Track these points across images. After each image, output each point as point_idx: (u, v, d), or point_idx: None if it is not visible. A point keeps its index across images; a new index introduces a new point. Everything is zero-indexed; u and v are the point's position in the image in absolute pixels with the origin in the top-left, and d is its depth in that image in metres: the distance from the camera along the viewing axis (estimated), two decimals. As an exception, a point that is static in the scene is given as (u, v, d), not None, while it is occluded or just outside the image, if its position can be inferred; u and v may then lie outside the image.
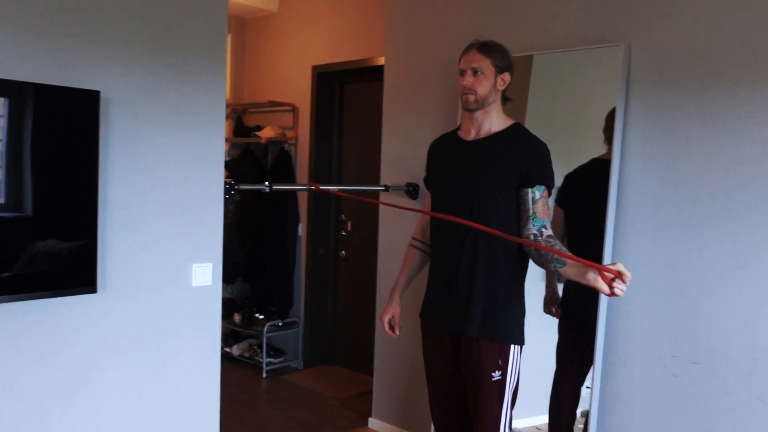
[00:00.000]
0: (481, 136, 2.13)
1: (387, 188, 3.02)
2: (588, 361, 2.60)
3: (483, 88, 2.07)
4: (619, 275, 1.78)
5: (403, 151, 3.19)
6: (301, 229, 4.38)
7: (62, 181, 1.85)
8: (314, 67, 4.26)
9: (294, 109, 4.34)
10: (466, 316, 2.04)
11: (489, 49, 2.08)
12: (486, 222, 2.01)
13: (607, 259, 2.41)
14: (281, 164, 4.35)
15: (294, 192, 4.29)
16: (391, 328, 2.33)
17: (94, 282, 1.92)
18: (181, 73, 2.17)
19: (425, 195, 2.40)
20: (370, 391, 3.91)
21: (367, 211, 4.19)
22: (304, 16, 4.34)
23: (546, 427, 2.66)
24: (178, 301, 2.22)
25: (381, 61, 3.86)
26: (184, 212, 2.21)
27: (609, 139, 2.51)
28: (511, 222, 2.04)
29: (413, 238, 2.39)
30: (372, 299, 4.16)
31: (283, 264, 4.35)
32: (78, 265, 1.88)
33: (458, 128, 2.25)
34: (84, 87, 1.91)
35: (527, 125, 2.21)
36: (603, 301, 2.41)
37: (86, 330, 1.99)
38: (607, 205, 2.39)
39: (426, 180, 2.35)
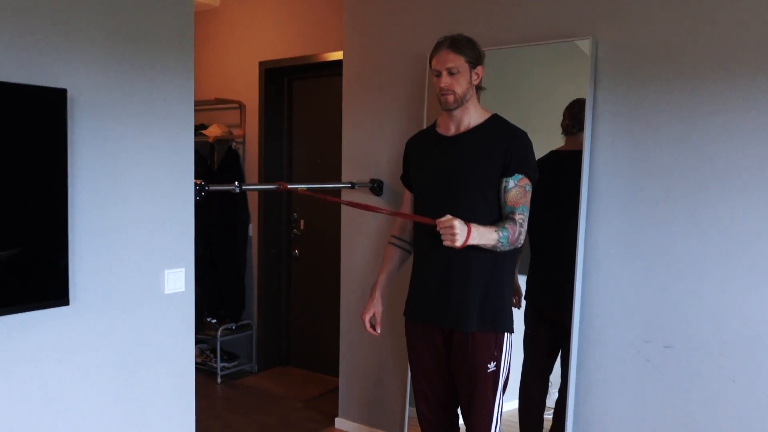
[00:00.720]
0: (461, 131, 2.12)
1: (353, 185, 2.98)
2: (555, 350, 2.65)
3: (461, 86, 2.06)
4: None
5: (364, 146, 3.15)
6: (252, 229, 4.27)
7: (29, 187, 1.71)
8: (261, 63, 4.15)
9: (241, 107, 4.21)
10: (465, 310, 2.04)
11: (460, 45, 2.07)
12: (472, 215, 2.01)
13: (581, 250, 2.46)
14: (229, 164, 4.21)
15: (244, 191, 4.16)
16: (373, 327, 2.29)
17: (66, 294, 1.79)
18: (148, 68, 2.05)
19: (404, 194, 2.37)
20: (332, 391, 3.86)
21: (320, 209, 4.12)
22: (249, 10, 4.21)
23: (506, 415, 2.69)
24: (151, 310, 2.10)
25: (331, 56, 3.81)
26: (155, 216, 2.10)
27: (567, 131, 2.56)
28: (498, 213, 2.06)
29: (393, 236, 2.35)
30: (328, 297, 4.11)
31: (234, 265, 4.22)
32: (49, 277, 1.75)
33: (435, 125, 2.24)
34: (48, 85, 1.77)
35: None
36: (577, 290, 2.45)
37: (58, 345, 1.85)
38: (580, 197, 2.44)
39: (404, 178, 2.33)
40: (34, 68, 1.76)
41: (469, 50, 2.07)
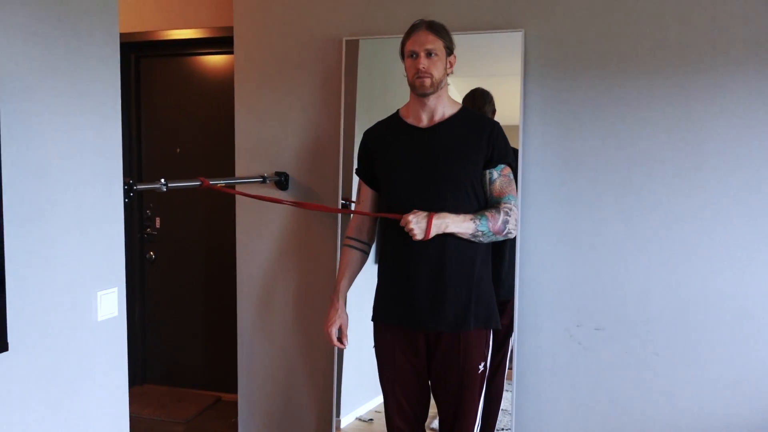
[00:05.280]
0: (436, 122, 2.00)
1: (264, 179, 2.67)
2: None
3: (438, 70, 1.95)
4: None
5: (264, 136, 2.84)
6: (96, 231, 3.66)
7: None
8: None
9: (78, 86, 3.57)
10: (464, 310, 1.92)
11: (439, 29, 1.97)
12: (458, 210, 1.91)
13: (518, 241, 2.48)
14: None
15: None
16: (339, 340, 2.08)
17: (6, 337, 1.33)
18: (71, 36, 1.60)
19: (360, 190, 2.17)
20: (211, 407, 3.50)
21: (179, 204, 3.68)
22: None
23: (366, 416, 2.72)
24: (82, 344, 1.66)
25: (177, 34, 3.47)
26: (83, 224, 1.66)
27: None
28: (483, 204, 2.00)
29: (349, 238, 2.15)
30: (191, 303, 3.71)
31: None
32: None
33: (398, 115, 2.09)
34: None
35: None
36: (517, 280, 2.48)
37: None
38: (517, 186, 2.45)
39: (362, 173, 2.14)
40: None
41: (447, 35, 1.97)
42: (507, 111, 2.49)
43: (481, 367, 1.96)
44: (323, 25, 2.73)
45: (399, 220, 1.92)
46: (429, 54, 1.94)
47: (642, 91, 2.40)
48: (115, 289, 1.76)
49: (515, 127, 2.48)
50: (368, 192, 2.13)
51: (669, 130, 2.38)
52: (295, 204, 2.14)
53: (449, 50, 1.99)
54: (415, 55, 1.95)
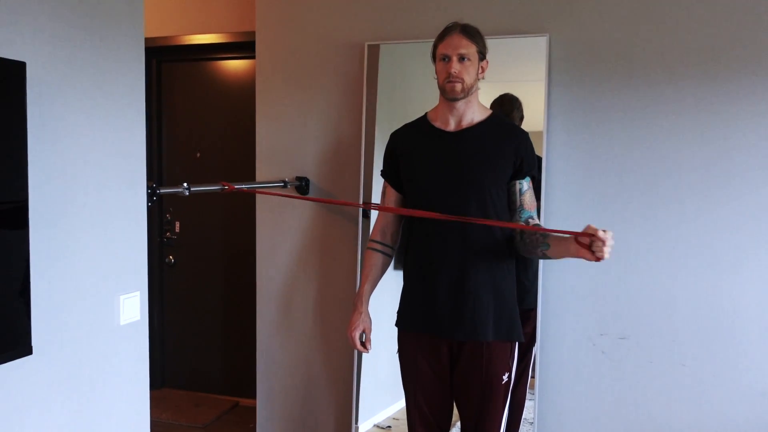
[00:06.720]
0: (464, 127, 1.98)
1: (285, 184, 2.66)
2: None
3: (470, 76, 1.92)
4: (592, 237, 1.66)
5: (284, 142, 2.84)
6: (116, 234, 3.68)
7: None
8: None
9: (100, 90, 3.59)
10: (483, 318, 1.90)
11: (473, 33, 1.94)
12: (482, 216, 1.89)
13: (541, 248, 2.45)
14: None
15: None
16: (362, 344, 2.06)
17: (30, 341, 1.32)
18: (98, 41, 1.60)
19: (385, 193, 2.15)
20: (228, 412, 3.49)
21: (199, 209, 3.68)
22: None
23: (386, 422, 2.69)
24: (104, 349, 1.66)
25: (199, 39, 3.49)
26: (107, 228, 1.66)
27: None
28: (506, 213, 1.97)
29: (373, 241, 2.13)
30: (211, 308, 3.71)
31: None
32: (11, 323, 1.27)
33: (426, 118, 2.06)
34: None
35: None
36: (540, 286, 2.44)
37: (19, 401, 1.37)
38: (540, 194, 2.43)
39: (388, 175, 2.12)
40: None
41: (480, 39, 1.94)
42: (531, 116, 2.46)
43: (505, 377, 1.93)
44: (345, 30, 2.72)
45: (426, 220, 1.88)
46: (461, 58, 1.91)
47: (669, 97, 2.36)
48: (138, 293, 1.76)
49: (539, 133, 2.45)
50: (393, 194, 2.11)
51: (697, 137, 2.33)
52: (326, 201, 2.10)
53: (482, 55, 1.96)
54: (447, 59, 1.92)
